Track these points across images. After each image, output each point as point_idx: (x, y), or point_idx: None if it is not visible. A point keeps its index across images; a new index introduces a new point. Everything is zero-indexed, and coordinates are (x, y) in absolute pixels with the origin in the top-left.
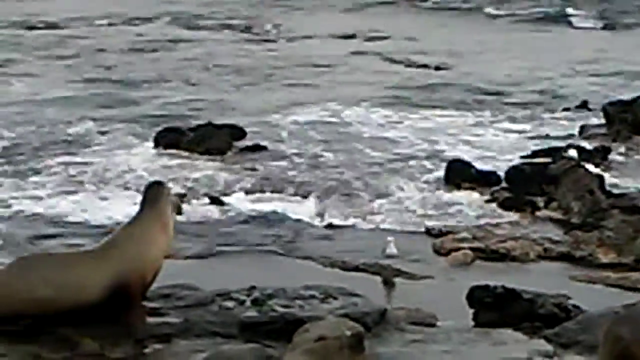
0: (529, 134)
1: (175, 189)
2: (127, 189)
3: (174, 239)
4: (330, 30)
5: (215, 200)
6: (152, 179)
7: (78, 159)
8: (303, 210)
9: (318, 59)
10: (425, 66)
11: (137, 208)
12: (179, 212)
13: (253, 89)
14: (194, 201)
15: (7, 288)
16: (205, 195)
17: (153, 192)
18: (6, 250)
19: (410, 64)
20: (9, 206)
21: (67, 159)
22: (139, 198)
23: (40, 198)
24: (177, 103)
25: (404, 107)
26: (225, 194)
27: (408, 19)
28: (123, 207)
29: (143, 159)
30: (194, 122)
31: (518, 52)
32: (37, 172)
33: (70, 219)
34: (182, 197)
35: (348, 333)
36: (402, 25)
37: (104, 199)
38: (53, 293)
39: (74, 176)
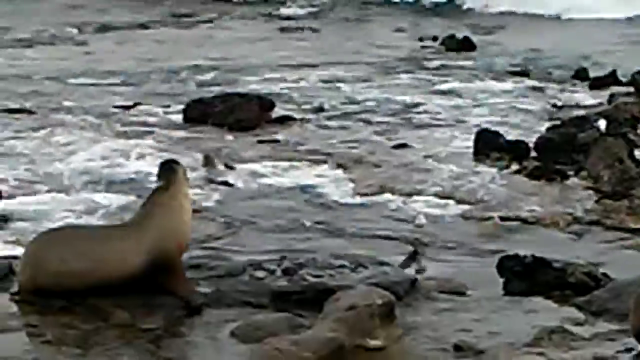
0: (558, 104)
1: (202, 161)
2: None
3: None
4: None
5: (229, 167)
6: (175, 155)
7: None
8: (333, 182)
9: None
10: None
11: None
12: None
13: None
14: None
15: (38, 262)
16: (224, 164)
17: (168, 168)
18: None
19: None
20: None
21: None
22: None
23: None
24: (197, 69)
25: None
26: (255, 165)
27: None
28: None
29: (170, 132)
30: (218, 90)
31: None
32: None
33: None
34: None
35: (379, 301)
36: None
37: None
38: (90, 266)
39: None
